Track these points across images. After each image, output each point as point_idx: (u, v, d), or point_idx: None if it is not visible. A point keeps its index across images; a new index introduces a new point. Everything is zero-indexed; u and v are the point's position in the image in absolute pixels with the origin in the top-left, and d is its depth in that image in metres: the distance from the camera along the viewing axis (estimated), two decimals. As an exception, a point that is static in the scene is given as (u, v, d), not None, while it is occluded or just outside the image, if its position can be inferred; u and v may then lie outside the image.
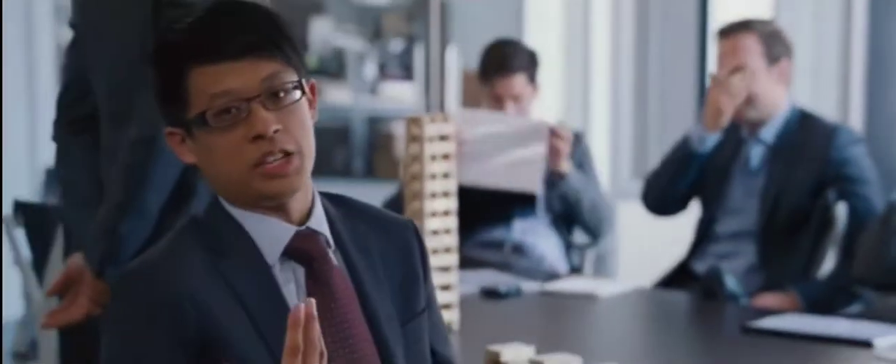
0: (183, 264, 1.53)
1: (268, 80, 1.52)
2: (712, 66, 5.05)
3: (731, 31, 3.32)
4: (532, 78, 3.72)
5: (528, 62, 3.72)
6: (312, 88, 1.58)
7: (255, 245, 1.55)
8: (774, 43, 3.30)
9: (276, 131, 1.51)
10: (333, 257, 1.60)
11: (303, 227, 1.57)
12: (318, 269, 1.57)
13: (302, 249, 1.57)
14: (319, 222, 1.59)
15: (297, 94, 1.54)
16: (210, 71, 1.51)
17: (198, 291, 1.51)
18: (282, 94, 1.52)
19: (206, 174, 1.57)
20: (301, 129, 1.53)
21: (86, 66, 2.29)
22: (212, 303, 1.51)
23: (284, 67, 1.53)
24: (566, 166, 3.62)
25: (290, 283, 1.57)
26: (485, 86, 3.73)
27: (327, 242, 1.59)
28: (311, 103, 1.57)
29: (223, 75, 1.51)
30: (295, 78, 1.54)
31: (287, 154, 1.52)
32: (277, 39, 1.53)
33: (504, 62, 3.68)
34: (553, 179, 3.62)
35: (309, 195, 1.59)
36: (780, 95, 3.33)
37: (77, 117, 2.33)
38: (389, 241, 1.65)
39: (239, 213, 1.56)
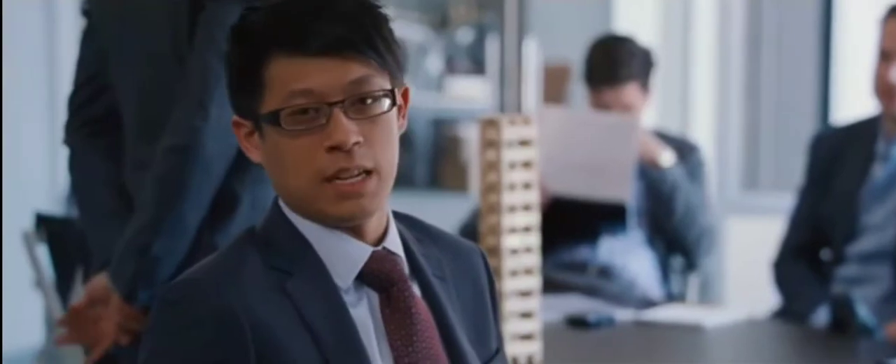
0: (244, 281, 1.49)
1: (356, 83, 1.48)
2: (839, 61, 5.03)
3: None
4: (645, 85, 3.62)
5: (641, 68, 3.62)
6: (405, 94, 1.55)
7: (323, 265, 1.52)
8: None
9: (356, 143, 1.48)
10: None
11: (379, 248, 1.53)
12: (398, 297, 1.54)
13: (380, 272, 1.53)
14: (395, 244, 1.55)
15: (387, 103, 1.50)
16: (292, 64, 1.48)
17: (259, 312, 1.47)
18: (369, 102, 1.49)
19: (271, 177, 1.54)
20: (385, 144, 1.50)
21: (105, 62, 2.25)
22: (275, 326, 1.47)
23: (377, 71, 1.50)
24: (666, 159, 3.51)
25: (362, 311, 1.52)
26: (591, 92, 3.64)
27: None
28: (400, 111, 1.53)
29: (306, 71, 1.48)
30: (387, 85, 1.50)
31: (365, 172, 1.48)
32: (372, 36, 1.49)
33: (614, 71, 3.57)
34: (646, 169, 3.53)
35: (384, 215, 1.55)
36: None
37: (92, 118, 2.30)
38: (461, 269, 1.62)
39: (306, 227, 1.52)
